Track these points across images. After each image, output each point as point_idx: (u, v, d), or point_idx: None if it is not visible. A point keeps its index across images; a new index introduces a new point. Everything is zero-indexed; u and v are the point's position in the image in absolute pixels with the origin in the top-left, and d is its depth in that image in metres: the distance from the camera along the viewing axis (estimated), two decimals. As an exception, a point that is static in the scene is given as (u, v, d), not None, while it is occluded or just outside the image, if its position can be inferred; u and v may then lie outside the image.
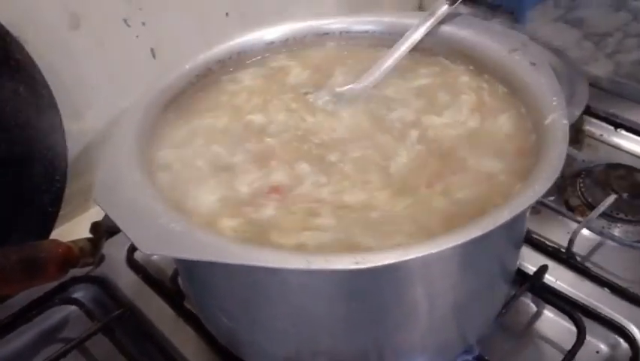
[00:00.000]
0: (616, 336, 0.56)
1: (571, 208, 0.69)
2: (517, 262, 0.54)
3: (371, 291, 0.40)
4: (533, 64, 0.52)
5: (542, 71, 0.51)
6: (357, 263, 0.36)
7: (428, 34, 0.58)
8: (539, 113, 0.48)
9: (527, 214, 0.51)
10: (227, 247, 0.38)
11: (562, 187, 0.72)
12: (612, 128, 0.80)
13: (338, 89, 0.57)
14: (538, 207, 0.69)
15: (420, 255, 0.36)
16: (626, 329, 0.56)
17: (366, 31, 0.63)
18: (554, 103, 0.47)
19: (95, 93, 0.67)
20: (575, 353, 0.53)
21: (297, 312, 0.42)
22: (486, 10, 1.01)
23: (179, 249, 0.38)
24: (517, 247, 0.52)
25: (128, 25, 0.67)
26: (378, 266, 0.36)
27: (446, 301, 0.44)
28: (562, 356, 0.53)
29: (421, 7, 1.03)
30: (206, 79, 0.58)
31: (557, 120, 0.46)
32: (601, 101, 0.83)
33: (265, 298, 0.42)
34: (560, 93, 0.48)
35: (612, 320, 0.56)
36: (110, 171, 0.45)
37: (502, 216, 0.38)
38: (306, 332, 0.44)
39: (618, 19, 1.01)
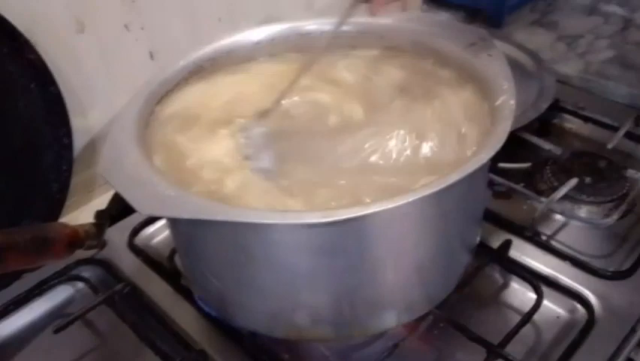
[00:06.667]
0: (574, 302, 0.61)
1: (539, 193, 0.73)
2: (479, 233, 0.60)
3: (339, 246, 0.46)
4: (490, 55, 0.58)
5: (496, 61, 0.57)
6: (324, 217, 0.42)
7: (395, 32, 0.64)
8: (492, 97, 0.53)
9: (485, 187, 0.57)
10: (214, 207, 0.44)
11: (532, 174, 0.77)
12: (580, 121, 0.86)
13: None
14: (509, 193, 0.74)
15: (378, 210, 0.42)
16: (583, 295, 0.61)
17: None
18: (504, 87, 0.53)
19: (98, 93, 0.72)
20: (531, 315, 0.58)
21: (275, 268, 0.48)
22: (465, 16, 1.08)
23: (172, 210, 0.44)
24: (477, 216, 0.57)
25: (129, 30, 0.72)
26: (341, 220, 0.42)
27: (408, 260, 0.49)
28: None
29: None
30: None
31: (506, 101, 0.51)
32: (570, 97, 0.89)
33: (247, 256, 0.47)
34: (511, 79, 0.54)
35: (571, 288, 0.62)
36: (114, 148, 0.50)
37: (451, 177, 0.44)
38: (284, 288, 0.49)
39: (590, 22, 1.08)
